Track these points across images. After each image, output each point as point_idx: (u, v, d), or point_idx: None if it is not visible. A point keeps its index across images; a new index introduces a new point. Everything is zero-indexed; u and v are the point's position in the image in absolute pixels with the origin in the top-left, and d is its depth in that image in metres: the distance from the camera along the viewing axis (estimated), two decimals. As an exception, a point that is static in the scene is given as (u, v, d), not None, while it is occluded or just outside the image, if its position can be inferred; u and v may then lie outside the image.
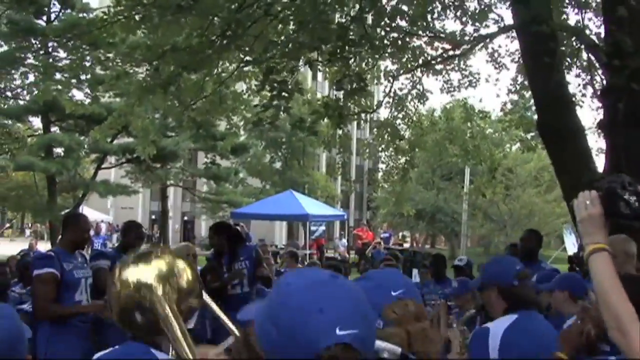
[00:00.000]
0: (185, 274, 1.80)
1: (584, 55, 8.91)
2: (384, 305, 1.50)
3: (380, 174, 33.33)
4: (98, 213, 37.37)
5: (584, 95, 9.38)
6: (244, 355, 1.30)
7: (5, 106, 23.20)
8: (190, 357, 1.63)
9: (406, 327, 1.48)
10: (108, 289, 1.85)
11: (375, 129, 12.55)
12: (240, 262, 6.00)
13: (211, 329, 5.73)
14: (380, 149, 12.73)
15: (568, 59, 8.90)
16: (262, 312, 1.15)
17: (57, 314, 4.49)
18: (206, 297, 1.99)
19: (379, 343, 1.29)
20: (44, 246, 19.09)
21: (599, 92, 6.50)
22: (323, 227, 25.32)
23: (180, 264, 1.81)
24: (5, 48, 20.25)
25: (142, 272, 1.73)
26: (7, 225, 46.78)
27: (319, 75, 28.70)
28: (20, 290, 6.08)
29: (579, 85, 9.33)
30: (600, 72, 7.69)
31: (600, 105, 8.81)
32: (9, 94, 23.14)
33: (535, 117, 14.32)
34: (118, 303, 1.78)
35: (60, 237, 5.49)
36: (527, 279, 2.87)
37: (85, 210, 28.47)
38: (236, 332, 1.95)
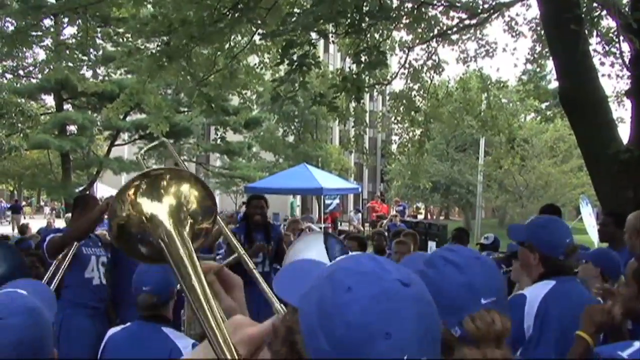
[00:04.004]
0: (194, 196, 1.66)
1: (603, 23, 8.66)
2: (467, 313, 1.36)
3: (394, 146, 33.21)
4: (112, 190, 37.49)
5: (602, 63, 9.15)
6: (281, 354, 1.01)
7: (18, 85, 23.21)
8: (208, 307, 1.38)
9: (485, 351, 1.33)
10: (113, 209, 1.63)
11: (390, 101, 12.37)
12: (272, 241, 6.13)
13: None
14: (395, 120, 12.55)
15: (587, 27, 8.65)
16: (312, 314, 0.94)
17: (83, 226, 4.48)
18: (221, 223, 1.86)
19: None
20: (60, 224, 19.18)
21: (628, 61, 6.28)
22: (337, 201, 25.20)
23: (187, 187, 1.66)
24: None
25: (153, 203, 1.58)
26: (24, 203, 47.14)
27: (331, 47, 28.35)
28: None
29: (598, 53, 9.09)
30: (622, 39, 7.44)
31: (621, 74, 8.62)
32: (21, 72, 23.12)
33: (550, 86, 14.17)
34: (123, 226, 1.60)
35: (71, 218, 5.44)
36: (574, 252, 2.73)
37: (99, 187, 28.64)
38: (261, 280, 1.73)
